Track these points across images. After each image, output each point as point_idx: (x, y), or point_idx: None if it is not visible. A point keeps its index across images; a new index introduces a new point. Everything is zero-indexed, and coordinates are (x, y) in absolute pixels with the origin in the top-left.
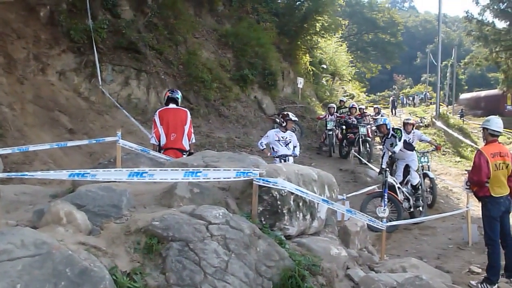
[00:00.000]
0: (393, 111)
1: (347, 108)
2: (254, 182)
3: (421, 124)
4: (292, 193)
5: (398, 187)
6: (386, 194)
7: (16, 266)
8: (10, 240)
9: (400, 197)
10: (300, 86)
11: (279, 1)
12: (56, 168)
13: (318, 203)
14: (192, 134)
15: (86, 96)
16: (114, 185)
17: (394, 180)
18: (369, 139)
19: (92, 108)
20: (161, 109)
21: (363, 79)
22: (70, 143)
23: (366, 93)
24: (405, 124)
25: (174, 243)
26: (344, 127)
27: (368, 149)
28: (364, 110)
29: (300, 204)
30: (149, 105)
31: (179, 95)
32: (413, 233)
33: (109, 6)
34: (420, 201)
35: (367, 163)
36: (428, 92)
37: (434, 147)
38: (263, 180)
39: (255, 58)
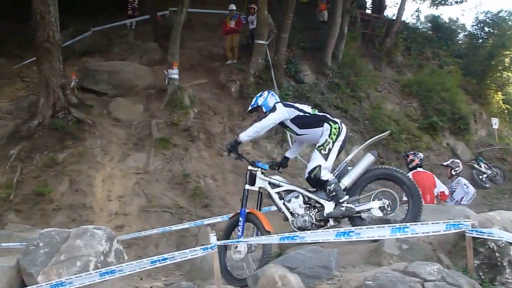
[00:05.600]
0: None
1: None
2: (466, 234)
3: None
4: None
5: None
6: None
7: None
8: None
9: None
10: (495, 127)
11: (460, 41)
12: None
13: None
14: (442, 188)
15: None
16: (320, 246)
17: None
18: None
19: (285, 171)
20: (414, 171)
21: None
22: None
23: None
24: None
25: None
26: None
27: None
28: None
29: None
30: (339, 163)
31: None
32: None
33: (292, 73)
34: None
35: None
36: None
37: None
38: (476, 231)
39: (442, 103)
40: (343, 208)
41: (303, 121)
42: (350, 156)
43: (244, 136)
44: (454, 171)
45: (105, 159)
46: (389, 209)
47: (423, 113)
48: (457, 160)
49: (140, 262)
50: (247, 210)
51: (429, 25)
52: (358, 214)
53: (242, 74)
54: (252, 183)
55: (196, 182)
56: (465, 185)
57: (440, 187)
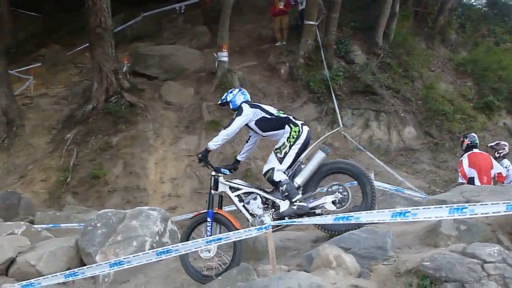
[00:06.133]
0: None
1: None
2: None
3: None
4: None
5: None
6: None
7: None
8: (288, 284)
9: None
10: None
11: None
12: None
13: None
14: (499, 169)
15: (329, 143)
16: (375, 227)
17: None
18: None
19: (336, 153)
20: (469, 153)
21: None
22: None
23: None
24: None
25: (448, 284)
26: None
27: None
28: None
29: None
30: (391, 144)
31: (477, 140)
32: None
33: (342, 53)
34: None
35: None
36: None
37: None
38: None
39: (499, 82)
40: (295, 207)
41: (267, 124)
42: (303, 155)
43: (212, 144)
44: (498, 153)
45: (157, 142)
46: (342, 202)
47: (478, 93)
48: (503, 142)
49: (195, 242)
50: (214, 211)
51: (485, 1)
52: (312, 211)
53: (291, 56)
54: (216, 188)
55: (247, 164)
56: (506, 167)
57: (498, 168)
